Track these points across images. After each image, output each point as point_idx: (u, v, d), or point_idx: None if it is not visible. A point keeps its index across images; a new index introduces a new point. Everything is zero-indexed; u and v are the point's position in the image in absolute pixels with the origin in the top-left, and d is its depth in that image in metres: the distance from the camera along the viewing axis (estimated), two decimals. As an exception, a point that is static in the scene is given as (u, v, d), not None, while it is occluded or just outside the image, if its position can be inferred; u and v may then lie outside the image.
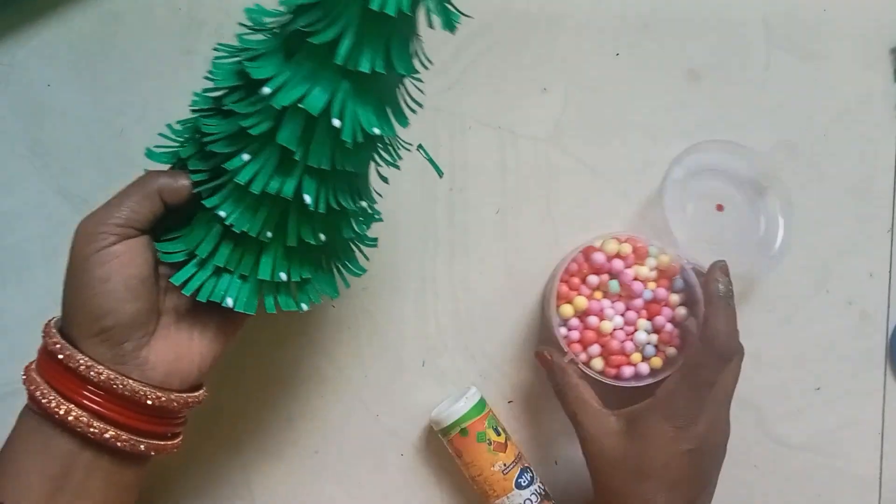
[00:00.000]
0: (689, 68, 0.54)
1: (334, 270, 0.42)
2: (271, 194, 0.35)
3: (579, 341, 0.47)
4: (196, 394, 0.38)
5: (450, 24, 0.32)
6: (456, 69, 0.53)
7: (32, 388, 0.35)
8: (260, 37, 0.36)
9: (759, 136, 0.51)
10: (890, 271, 0.53)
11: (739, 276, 0.50)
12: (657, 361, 0.47)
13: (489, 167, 0.53)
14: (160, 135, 0.41)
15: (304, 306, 0.39)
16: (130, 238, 0.35)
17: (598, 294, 0.47)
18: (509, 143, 0.53)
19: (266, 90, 0.33)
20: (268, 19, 0.37)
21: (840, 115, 0.54)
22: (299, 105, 0.33)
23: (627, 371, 0.47)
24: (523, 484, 0.47)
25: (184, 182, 0.37)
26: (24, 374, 0.36)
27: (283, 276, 0.37)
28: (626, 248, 0.47)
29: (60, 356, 0.34)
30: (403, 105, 0.37)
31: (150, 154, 0.40)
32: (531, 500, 0.47)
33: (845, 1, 0.55)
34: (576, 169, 0.53)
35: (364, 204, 0.40)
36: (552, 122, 0.53)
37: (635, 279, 0.47)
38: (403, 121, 0.37)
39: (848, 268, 0.53)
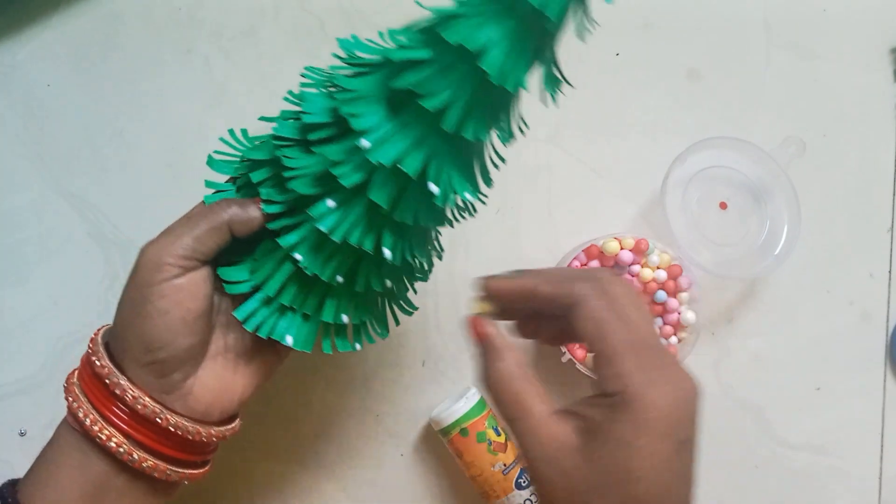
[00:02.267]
0: (689, 68, 0.54)
1: (388, 310, 0.41)
2: (350, 243, 0.34)
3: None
4: (232, 425, 0.38)
5: (553, 97, 0.32)
6: (456, 69, 0.53)
7: (75, 405, 0.34)
8: (352, 69, 0.35)
9: (759, 136, 0.51)
10: (890, 271, 0.53)
11: (742, 276, 0.50)
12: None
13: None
14: (221, 139, 0.40)
15: (358, 346, 0.39)
16: (194, 270, 0.34)
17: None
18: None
19: (364, 143, 0.32)
20: (362, 54, 0.35)
21: (840, 115, 0.54)
22: (398, 165, 0.32)
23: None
24: (523, 484, 0.47)
25: (255, 215, 0.35)
26: (65, 385, 0.35)
27: (345, 318, 0.37)
28: (629, 243, 0.47)
29: (107, 381, 0.34)
30: (489, 163, 0.37)
31: (211, 162, 0.39)
32: (531, 501, 0.47)
33: (845, 1, 0.55)
34: (576, 169, 0.53)
35: (433, 252, 0.40)
36: (552, 122, 0.53)
37: (638, 276, 0.47)
38: (489, 181, 0.37)
39: (848, 268, 0.53)
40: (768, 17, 0.55)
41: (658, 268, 0.48)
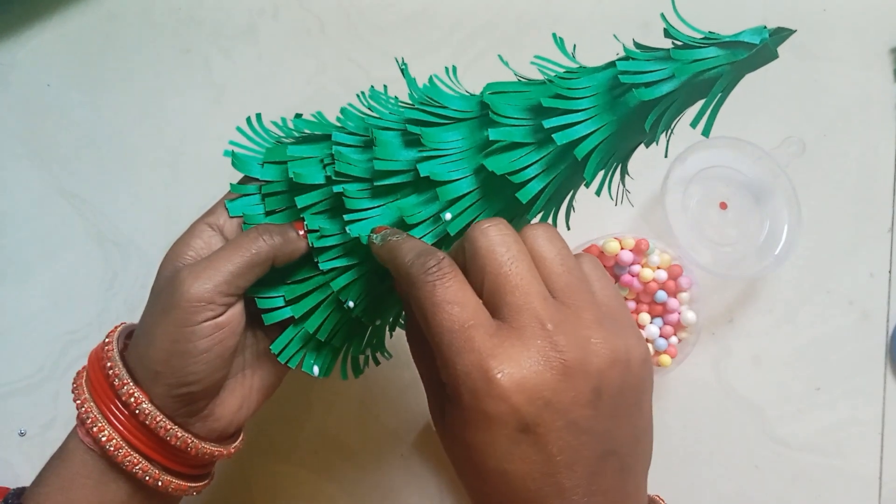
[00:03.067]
0: (689, 68, 0.54)
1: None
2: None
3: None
4: (241, 438, 0.38)
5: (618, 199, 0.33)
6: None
7: (95, 428, 0.33)
8: (431, 118, 0.33)
9: (759, 135, 0.51)
10: (890, 271, 0.53)
11: (742, 276, 0.50)
12: (666, 360, 0.47)
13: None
14: (238, 129, 0.38)
15: (366, 368, 0.39)
16: (233, 305, 0.33)
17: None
18: (509, 143, 0.53)
19: (447, 216, 0.31)
20: (446, 104, 0.33)
21: (840, 115, 0.54)
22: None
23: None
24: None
25: (301, 246, 0.34)
26: (77, 402, 0.34)
27: (369, 350, 0.38)
28: (629, 243, 0.47)
29: (136, 410, 0.33)
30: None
31: (236, 163, 0.36)
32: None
33: (845, 1, 0.55)
34: (576, 169, 0.53)
35: None
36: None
37: (638, 276, 0.47)
38: None
39: (848, 268, 0.53)
40: (768, 17, 0.55)
41: (658, 268, 0.48)
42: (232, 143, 0.37)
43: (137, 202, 0.52)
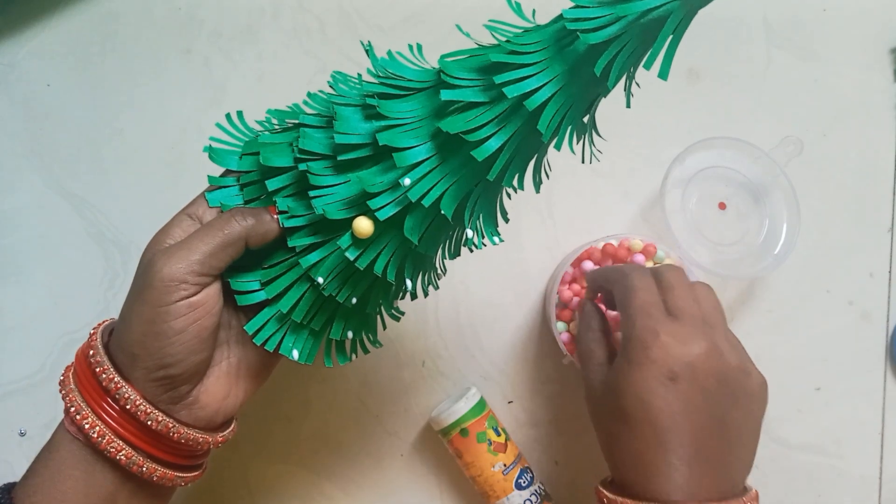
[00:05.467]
0: (689, 68, 0.54)
1: (378, 319, 0.41)
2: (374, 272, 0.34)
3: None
4: (231, 428, 0.38)
5: (590, 157, 0.34)
6: (456, 69, 0.53)
7: (79, 416, 0.33)
8: (390, 90, 0.33)
9: (759, 136, 0.51)
10: (890, 271, 0.53)
11: (742, 276, 0.50)
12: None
13: (489, 167, 0.53)
14: (217, 125, 0.38)
15: (354, 356, 0.39)
16: (208, 286, 0.33)
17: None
18: (509, 143, 0.53)
19: (407, 182, 0.31)
20: (402, 75, 0.34)
21: (840, 114, 0.54)
22: (437, 205, 0.32)
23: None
24: (523, 484, 0.47)
25: (272, 227, 0.34)
26: (62, 392, 0.34)
27: (350, 334, 0.38)
28: (637, 244, 0.47)
29: (116, 395, 0.33)
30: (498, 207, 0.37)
31: (213, 155, 0.37)
32: (531, 501, 0.47)
33: (845, 1, 0.55)
34: (576, 169, 0.53)
35: (434, 274, 0.40)
36: (552, 122, 0.53)
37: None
38: (506, 217, 0.37)
39: (848, 268, 0.53)
40: (768, 17, 0.55)
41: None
42: (213, 139, 0.38)
43: (137, 202, 0.52)
